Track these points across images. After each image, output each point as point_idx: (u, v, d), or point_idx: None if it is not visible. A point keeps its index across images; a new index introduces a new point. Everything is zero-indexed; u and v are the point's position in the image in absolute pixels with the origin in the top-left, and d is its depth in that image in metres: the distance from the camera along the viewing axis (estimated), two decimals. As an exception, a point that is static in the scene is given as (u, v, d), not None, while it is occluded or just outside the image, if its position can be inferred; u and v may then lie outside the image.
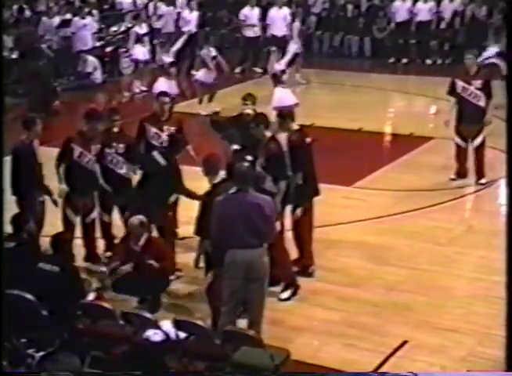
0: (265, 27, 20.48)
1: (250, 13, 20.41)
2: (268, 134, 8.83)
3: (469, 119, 11.68)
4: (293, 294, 8.76)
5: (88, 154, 9.36)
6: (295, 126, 9.11)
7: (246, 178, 7.44)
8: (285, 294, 8.74)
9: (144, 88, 18.25)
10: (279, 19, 19.79)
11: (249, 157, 8.47)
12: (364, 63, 20.53)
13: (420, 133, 14.40)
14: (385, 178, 12.35)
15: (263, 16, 20.56)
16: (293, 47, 17.15)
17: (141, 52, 18.92)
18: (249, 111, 10.17)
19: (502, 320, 5.89)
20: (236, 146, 8.52)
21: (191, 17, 20.46)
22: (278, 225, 8.44)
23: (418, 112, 16.69)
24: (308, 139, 9.13)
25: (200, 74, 16.40)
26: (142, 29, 19.24)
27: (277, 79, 14.37)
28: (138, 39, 18.86)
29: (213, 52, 16.33)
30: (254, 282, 7.45)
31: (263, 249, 7.45)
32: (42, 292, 7.33)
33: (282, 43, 19.47)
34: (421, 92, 17.69)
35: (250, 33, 20.52)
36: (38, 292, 7.33)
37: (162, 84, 14.86)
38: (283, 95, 13.97)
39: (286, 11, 19.95)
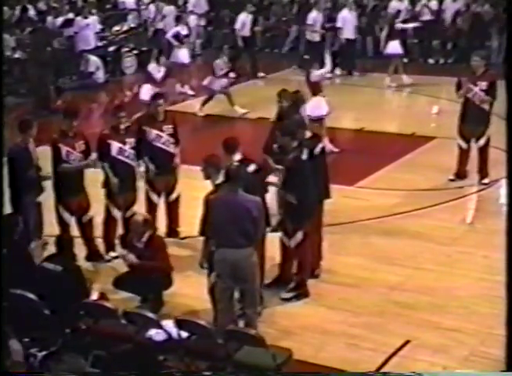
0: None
1: (318, 17, 19.54)
2: (294, 144, 8.61)
3: (473, 120, 11.67)
4: (296, 297, 8.75)
5: (74, 152, 9.43)
6: (308, 134, 9.08)
7: (236, 179, 7.48)
8: (287, 295, 8.74)
9: (190, 92, 18.10)
10: (351, 21, 19.40)
11: (252, 167, 8.45)
12: (366, 63, 20.49)
13: (422, 133, 14.40)
14: (387, 178, 12.34)
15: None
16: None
17: (183, 54, 18.41)
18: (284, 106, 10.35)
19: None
20: (238, 156, 8.46)
21: (246, 21, 19.99)
22: (301, 234, 8.49)
23: (420, 112, 16.68)
24: (321, 145, 9.14)
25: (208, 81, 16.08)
26: (183, 30, 18.82)
27: (316, 88, 13.41)
28: (180, 40, 18.45)
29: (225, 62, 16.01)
30: (244, 283, 7.54)
31: (251, 249, 7.52)
32: (44, 292, 7.33)
33: (353, 47, 19.53)
34: (423, 91, 17.68)
35: (315, 37, 19.54)
36: (39, 292, 7.33)
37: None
38: (319, 105, 13.24)
39: (354, 13, 19.67)
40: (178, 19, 19.89)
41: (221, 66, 15.89)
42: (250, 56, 19.58)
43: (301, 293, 8.75)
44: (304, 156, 8.69)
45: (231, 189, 7.48)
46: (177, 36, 18.47)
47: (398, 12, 19.77)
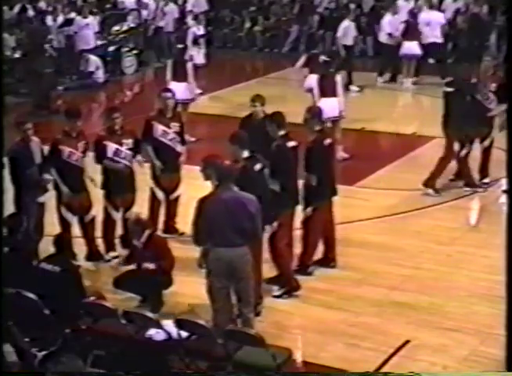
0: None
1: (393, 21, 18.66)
2: (281, 132, 8.76)
3: (480, 121, 11.64)
4: (287, 293, 8.77)
5: (76, 152, 9.43)
6: (317, 127, 9.14)
7: (229, 176, 7.49)
8: (278, 292, 8.78)
9: (199, 91, 17.98)
10: (436, 23, 18.48)
11: (258, 166, 8.49)
12: (366, 63, 20.49)
13: (422, 133, 14.39)
14: (388, 178, 12.35)
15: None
16: None
17: (198, 55, 17.80)
18: (258, 110, 10.21)
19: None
20: (246, 153, 8.44)
21: (349, 28, 18.35)
22: (275, 224, 8.48)
23: (420, 112, 16.66)
24: (328, 141, 9.17)
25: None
26: (199, 30, 18.55)
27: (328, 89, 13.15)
28: (195, 40, 18.13)
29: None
30: (239, 282, 7.53)
31: (246, 248, 7.51)
32: (42, 292, 7.33)
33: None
34: (424, 91, 17.66)
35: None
36: (38, 292, 7.33)
37: None
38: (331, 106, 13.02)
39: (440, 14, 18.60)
40: (195, 19, 19.55)
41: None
42: (347, 66, 18.03)
43: (291, 288, 8.77)
44: (291, 143, 8.75)
45: (225, 187, 7.46)
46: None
47: (416, 11, 19.57)
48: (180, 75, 14.35)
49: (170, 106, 10.30)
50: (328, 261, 9.39)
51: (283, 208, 8.62)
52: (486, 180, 11.77)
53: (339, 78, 13.17)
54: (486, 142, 11.71)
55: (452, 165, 11.98)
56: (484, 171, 11.82)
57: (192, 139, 14.02)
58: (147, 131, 10.09)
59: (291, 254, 9.02)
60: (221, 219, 7.36)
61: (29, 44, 17.91)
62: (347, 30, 18.12)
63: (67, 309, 7.23)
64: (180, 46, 17.83)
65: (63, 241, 8.01)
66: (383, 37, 18.76)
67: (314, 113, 9.22)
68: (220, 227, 7.38)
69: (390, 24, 18.44)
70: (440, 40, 18.52)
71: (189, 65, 14.58)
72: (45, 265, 7.65)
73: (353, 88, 17.77)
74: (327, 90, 13.09)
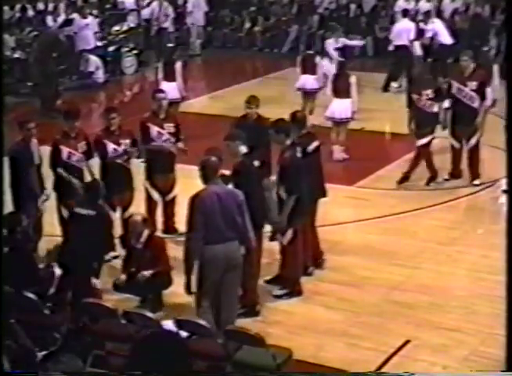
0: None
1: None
2: (288, 142, 8.60)
3: (464, 121, 11.68)
4: (288, 295, 8.76)
5: (76, 153, 9.44)
6: (303, 131, 9.07)
7: (215, 170, 7.52)
8: (279, 292, 8.78)
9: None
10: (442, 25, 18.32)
11: (257, 162, 8.43)
12: (366, 63, 20.49)
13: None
14: (387, 178, 12.34)
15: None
16: None
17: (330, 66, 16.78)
18: (253, 111, 10.17)
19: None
20: (244, 149, 8.35)
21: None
22: (291, 231, 8.48)
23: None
24: (315, 144, 9.10)
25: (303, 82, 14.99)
26: (337, 43, 17.52)
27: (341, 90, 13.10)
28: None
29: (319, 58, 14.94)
30: (232, 277, 7.57)
31: (238, 243, 7.54)
32: (78, 235, 7.89)
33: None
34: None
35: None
36: (74, 236, 8.03)
37: None
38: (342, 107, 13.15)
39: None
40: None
41: None
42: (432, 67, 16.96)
43: (293, 291, 8.76)
44: (299, 154, 8.70)
45: (213, 181, 7.48)
46: None
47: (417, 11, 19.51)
48: (170, 75, 14.40)
49: (163, 107, 10.29)
50: (318, 262, 9.35)
51: (298, 218, 8.54)
52: (477, 182, 11.73)
53: (353, 79, 13.13)
54: (472, 141, 11.68)
55: (447, 165, 11.99)
56: (474, 172, 11.77)
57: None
58: (145, 133, 10.08)
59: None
60: (216, 212, 7.38)
61: (38, 47, 17.86)
62: (402, 31, 17.72)
63: (101, 250, 8.00)
64: (170, 45, 17.86)
65: (93, 187, 8.54)
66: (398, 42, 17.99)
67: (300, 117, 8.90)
68: (215, 221, 7.39)
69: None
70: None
71: (178, 64, 14.59)
72: (79, 209, 8.14)
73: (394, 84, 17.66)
74: (340, 91, 13.07)
